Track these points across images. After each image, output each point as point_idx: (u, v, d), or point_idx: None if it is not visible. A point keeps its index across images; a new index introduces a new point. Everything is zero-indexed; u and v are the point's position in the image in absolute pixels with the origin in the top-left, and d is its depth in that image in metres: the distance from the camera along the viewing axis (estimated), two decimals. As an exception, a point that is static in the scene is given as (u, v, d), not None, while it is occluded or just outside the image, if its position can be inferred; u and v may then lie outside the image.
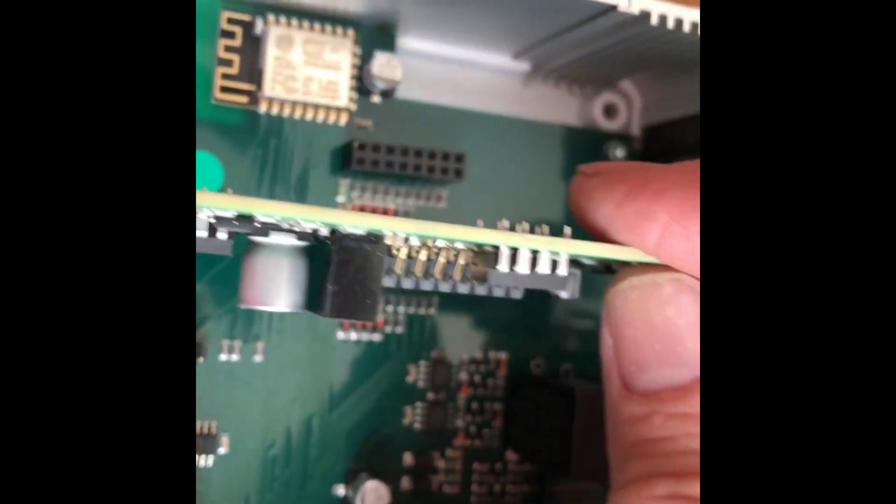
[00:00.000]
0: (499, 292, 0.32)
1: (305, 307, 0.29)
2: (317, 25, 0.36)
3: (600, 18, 0.34)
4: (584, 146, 0.42)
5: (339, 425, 0.37)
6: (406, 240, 0.28)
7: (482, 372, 0.39)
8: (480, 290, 0.31)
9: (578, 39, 0.37)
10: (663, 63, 0.39)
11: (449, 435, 0.39)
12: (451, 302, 0.39)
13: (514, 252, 0.27)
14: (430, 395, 0.38)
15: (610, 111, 0.43)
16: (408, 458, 0.38)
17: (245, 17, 0.35)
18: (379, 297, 0.28)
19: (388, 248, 0.28)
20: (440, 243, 0.28)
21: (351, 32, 0.36)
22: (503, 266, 0.27)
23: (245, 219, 0.27)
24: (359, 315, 0.28)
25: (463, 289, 0.31)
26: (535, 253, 0.27)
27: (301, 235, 0.29)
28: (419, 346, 0.38)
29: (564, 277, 0.28)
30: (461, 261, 0.29)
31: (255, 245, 0.29)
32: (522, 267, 0.27)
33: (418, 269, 0.29)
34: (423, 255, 0.29)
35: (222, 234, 0.27)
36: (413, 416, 0.38)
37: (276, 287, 0.29)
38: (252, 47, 0.35)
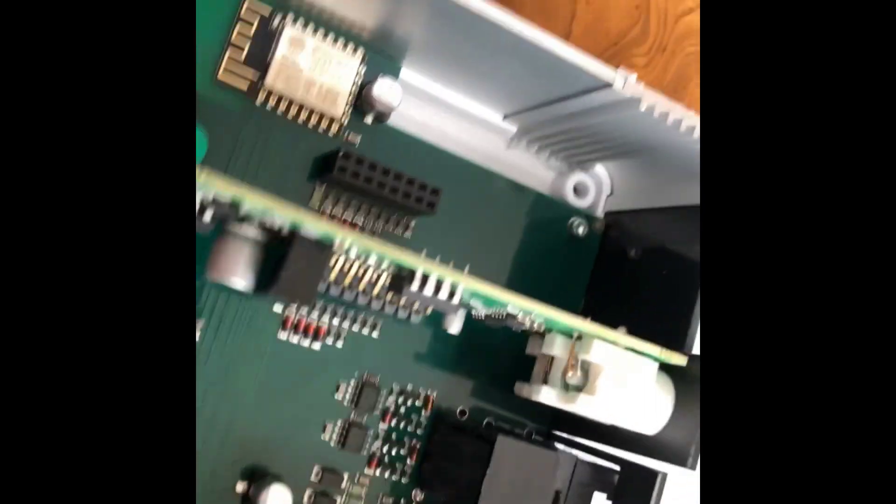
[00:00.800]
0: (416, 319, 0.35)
1: (255, 289, 0.31)
2: (330, 37, 0.37)
3: (593, 94, 0.37)
4: (550, 216, 0.44)
5: (256, 422, 0.36)
6: (348, 251, 0.31)
7: (408, 405, 0.40)
8: (403, 315, 0.36)
9: (567, 112, 0.40)
10: (639, 154, 0.42)
11: (362, 460, 0.39)
12: (395, 329, 0.39)
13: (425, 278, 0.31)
14: (353, 416, 0.38)
15: (579, 190, 0.45)
16: (315, 472, 0.37)
17: (265, 11, 0.36)
18: (316, 290, 0.31)
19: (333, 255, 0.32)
20: (371, 261, 0.32)
21: (360, 52, 0.38)
22: (414, 286, 0.30)
23: (234, 206, 0.28)
24: (298, 298, 0.31)
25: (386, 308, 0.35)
26: (439, 282, 0.31)
27: (266, 231, 0.31)
28: (353, 365, 0.39)
29: (455, 306, 0.31)
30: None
31: (228, 231, 0.31)
32: (427, 290, 0.31)
33: (346, 280, 0.33)
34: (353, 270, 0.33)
35: (208, 217, 0.28)
36: (331, 433, 0.38)
37: (238, 266, 0.31)
38: (264, 40, 0.36)
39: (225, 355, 0.36)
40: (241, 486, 0.36)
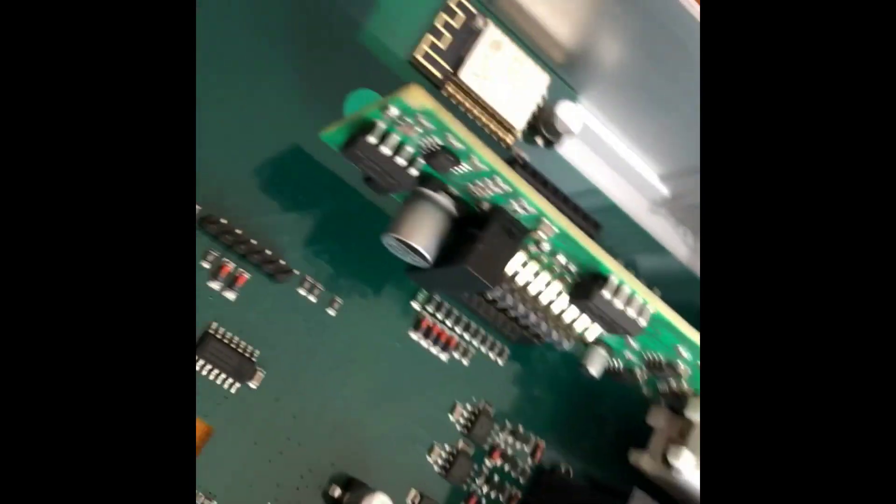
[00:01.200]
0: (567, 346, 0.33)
1: (431, 259, 0.28)
2: (526, 51, 0.36)
3: None
4: (679, 289, 0.42)
5: (365, 421, 0.33)
6: (539, 244, 0.29)
7: (517, 448, 0.36)
8: (555, 337, 0.33)
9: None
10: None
11: (461, 496, 0.35)
12: (521, 358, 0.37)
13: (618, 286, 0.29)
14: (462, 443, 0.35)
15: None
16: (412, 496, 0.34)
17: (472, 8, 0.36)
18: (503, 272, 0.29)
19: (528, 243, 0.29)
20: (560, 260, 0.30)
21: (548, 76, 0.37)
22: (606, 293, 0.28)
23: (455, 159, 0.26)
24: (487, 277, 0.28)
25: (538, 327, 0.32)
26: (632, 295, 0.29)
27: (459, 204, 0.29)
28: (474, 387, 0.35)
29: (640, 327, 0.29)
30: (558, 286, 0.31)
31: (422, 193, 0.29)
32: (618, 302, 0.29)
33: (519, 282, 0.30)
34: (535, 273, 0.30)
35: (413, 171, 0.27)
36: (438, 456, 0.34)
37: (424, 228, 0.28)
38: (465, 36, 0.36)
39: (352, 340, 0.33)
40: (336, 491, 0.32)
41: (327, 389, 0.32)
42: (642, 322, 0.29)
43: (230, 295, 0.31)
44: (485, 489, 0.35)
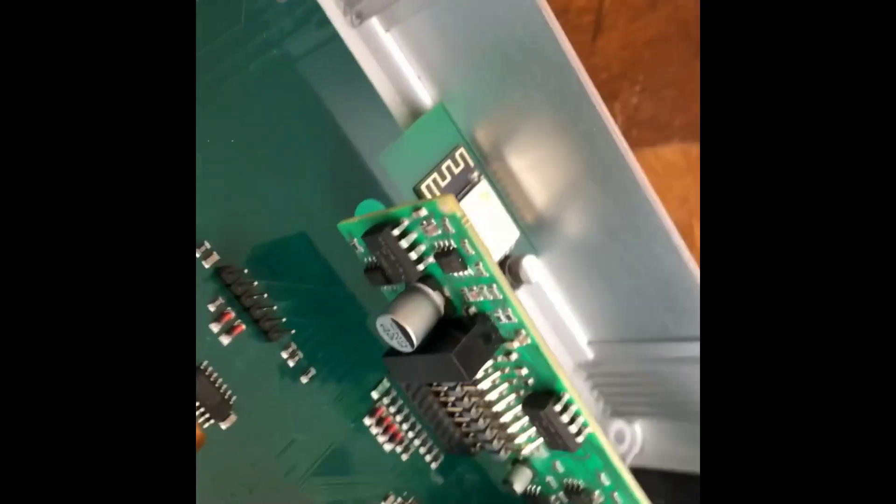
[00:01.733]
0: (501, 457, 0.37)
1: (416, 345, 0.33)
2: (505, 207, 0.43)
3: (674, 344, 0.43)
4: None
5: (307, 490, 0.35)
6: (509, 354, 0.34)
7: (431, 550, 0.39)
8: (495, 447, 0.37)
9: (653, 356, 0.45)
10: (684, 418, 0.47)
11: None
12: (452, 466, 0.40)
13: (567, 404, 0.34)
14: (386, 533, 0.37)
15: (619, 437, 0.49)
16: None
17: (471, 163, 0.43)
18: (480, 368, 0.33)
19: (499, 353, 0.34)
20: (521, 372, 0.34)
21: (518, 232, 0.44)
22: (557, 407, 0.33)
23: (462, 263, 0.32)
24: (466, 368, 0.33)
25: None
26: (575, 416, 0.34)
27: (447, 302, 0.34)
28: (407, 483, 0.38)
29: (578, 443, 0.34)
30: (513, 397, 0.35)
31: (419, 289, 0.34)
32: (565, 417, 0.33)
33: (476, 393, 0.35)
34: (495, 381, 0.35)
35: (421, 267, 0.33)
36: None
37: (417, 317, 0.33)
38: (462, 182, 0.42)
39: (314, 410, 0.36)
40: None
41: (283, 448, 0.35)
42: (580, 440, 0.34)
43: (225, 340, 0.34)
44: (394, 582, 0.37)
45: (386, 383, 0.38)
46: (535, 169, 0.42)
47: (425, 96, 0.43)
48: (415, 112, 0.43)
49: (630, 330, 0.45)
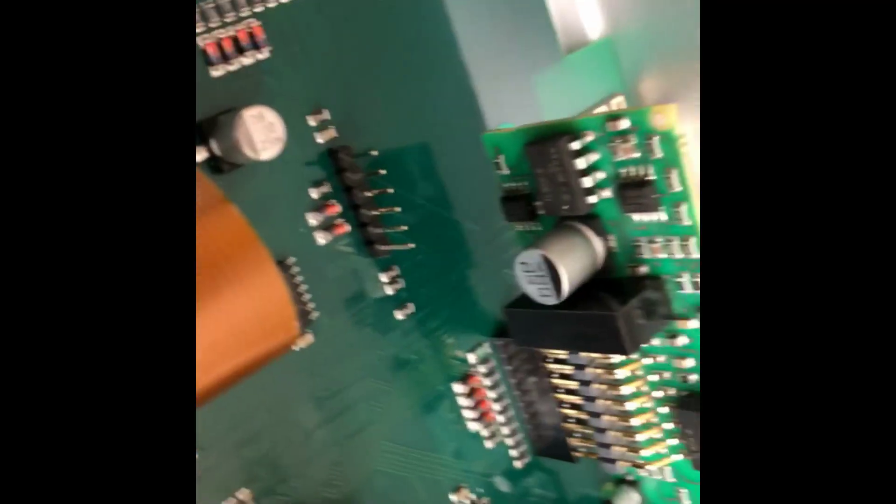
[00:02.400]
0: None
1: (564, 296, 0.26)
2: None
3: None
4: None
5: (369, 452, 0.27)
6: (681, 338, 0.26)
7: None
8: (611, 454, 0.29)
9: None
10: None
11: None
12: (538, 470, 0.32)
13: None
14: (451, 533, 0.29)
15: None
16: (382, 567, 0.27)
17: (631, 116, 0.35)
18: (644, 343, 0.26)
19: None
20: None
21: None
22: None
23: (656, 201, 0.24)
24: (630, 337, 0.25)
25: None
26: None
27: (609, 256, 0.27)
28: (486, 478, 0.31)
29: None
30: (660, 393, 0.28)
31: (578, 230, 0.26)
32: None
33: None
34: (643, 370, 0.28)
35: (592, 199, 0.26)
36: (424, 533, 0.29)
37: (573, 262, 0.26)
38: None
39: (399, 356, 0.28)
40: (315, 513, 0.26)
41: (358, 393, 0.27)
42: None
43: (321, 238, 0.26)
44: None
45: (487, 348, 0.31)
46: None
47: (596, 25, 0.35)
48: (581, 42, 0.35)
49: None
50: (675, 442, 0.28)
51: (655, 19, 0.34)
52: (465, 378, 0.30)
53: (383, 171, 0.27)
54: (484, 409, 0.30)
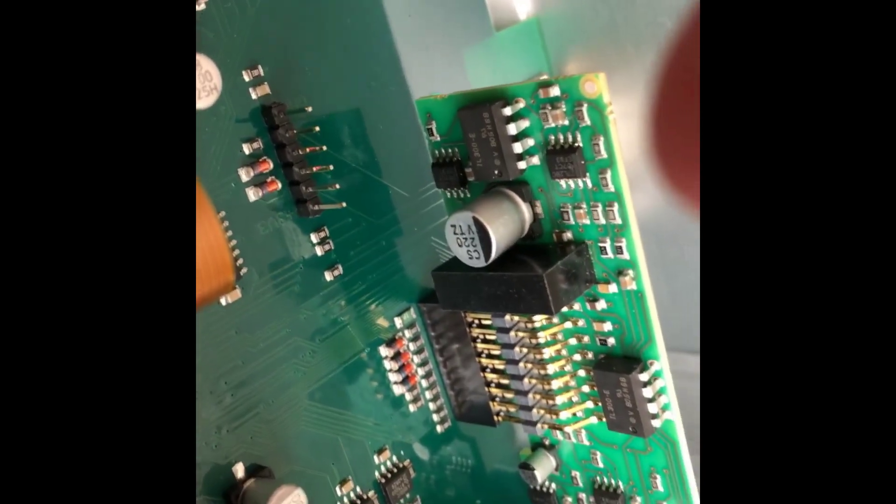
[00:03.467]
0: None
1: (492, 258, 0.26)
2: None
3: None
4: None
5: (295, 412, 0.27)
6: (599, 303, 0.28)
7: (415, 529, 0.31)
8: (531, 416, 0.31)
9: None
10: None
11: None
12: (457, 437, 0.33)
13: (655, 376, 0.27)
14: (372, 494, 0.30)
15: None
16: (304, 526, 0.27)
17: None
18: (567, 304, 0.27)
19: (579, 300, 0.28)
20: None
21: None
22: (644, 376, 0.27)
23: (582, 168, 0.25)
24: (554, 298, 0.26)
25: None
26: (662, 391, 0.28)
27: (536, 222, 0.28)
28: (407, 440, 0.31)
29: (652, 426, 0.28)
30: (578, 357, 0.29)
31: (507, 195, 0.27)
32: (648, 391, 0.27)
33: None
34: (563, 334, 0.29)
35: (522, 164, 0.27)
36: (347, 494, 0.29)
37: (502, 225, 0.26)
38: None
39: (328, 316, 0.28)
40: (240, 472, 0.25)
41: (284, 352, 0.27)
42: (656, 424, 0.27)
43: (252, 194, 0.26)
44: (371, 553, 0.30)
45: (412, 314, 0.31)
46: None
47: (525, 4, 0.36)
48: (511, 21, 0.36)
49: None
50: (590, 405, 0.29)
51: (580, 1, 0.35)
52: (390, 342, 0.30)
53: (317, 128, 0.27)
54: (408, 373, 0.31)
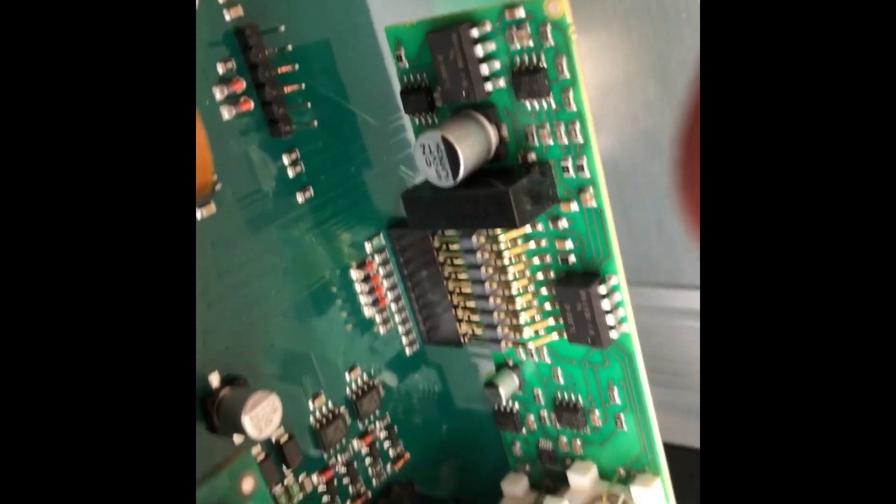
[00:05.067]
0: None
1: (461, 177, 0.27)
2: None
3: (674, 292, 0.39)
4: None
5: (268, 326, 0.28)
6: (562, 221, 0.29)
7: (384, 448, 0.33)
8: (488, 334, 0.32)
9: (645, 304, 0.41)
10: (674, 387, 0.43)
11: (318, 463, 0.30)
12: (424, 361, 0.34)
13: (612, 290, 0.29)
14: (344, 409, 0.31)
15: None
16: (281, 432, 0.29)
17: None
18: (533, 218, 0.28)
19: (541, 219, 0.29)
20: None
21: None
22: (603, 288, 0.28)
23: (546, 88, 0.27)
24: (519, 213, 0.27)
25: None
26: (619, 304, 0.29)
27: (502, 144, 0.29)
28: (376, 360, 0.32)
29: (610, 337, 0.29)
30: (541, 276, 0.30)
31: (474, 116, 0.28)
32: (606, 303, 0.28)
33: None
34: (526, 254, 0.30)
35: (488, 86, 0.28)
36: (318, 408, 0.30)
37: (470, 145, 0.28)
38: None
39: (300, 238, 0.29)
40: (216, 381, 0.26)
41: (256, 267, 0.28)
42: (613, 335, 0.29)
43: (226, 112, 0.27)
44: (342, 469, 0.31)
45: (382, 240, 0.32)
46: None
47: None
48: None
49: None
50: (552, 322, 0.30)
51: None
52: (360, 265, 0.31)
53: (290, 47, 0.28)
54: (378, 296, 0.32)
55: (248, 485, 0.23)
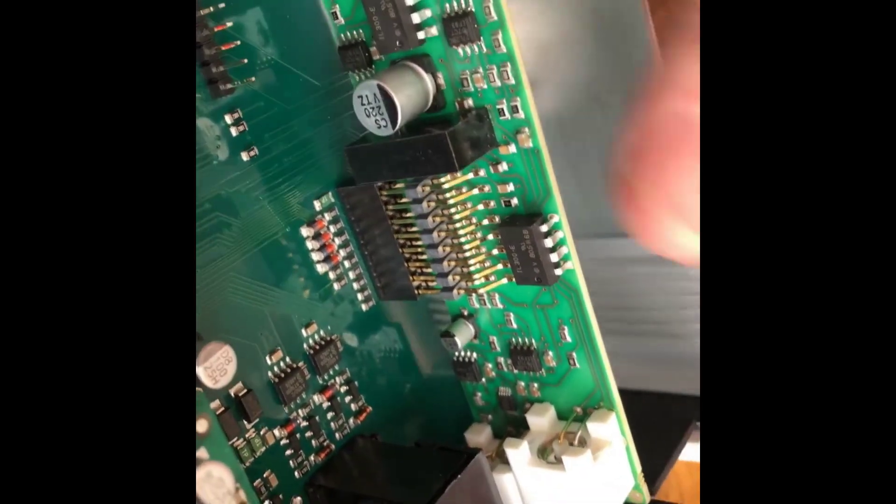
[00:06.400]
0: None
1: (399, 125, 0.28)
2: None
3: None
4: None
5: (222, 285, 0.29)
6: (501, 165, 0.30)
7: (346, 401, 0.33)
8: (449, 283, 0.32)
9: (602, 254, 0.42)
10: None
11: (280, 419, 0.31)
12: (380, 317, 0.35)
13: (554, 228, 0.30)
14: (301, 364, 0.31)
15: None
16: (238, 386, 0.29)
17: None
18: (471, 161, 0.28)
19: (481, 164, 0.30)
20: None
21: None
22: (544, 227, 0.29)
23: (475, 33, 0.28)
24: (458, 156, 0.28)
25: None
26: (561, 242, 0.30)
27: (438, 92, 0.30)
28: (332, 317, 0.33)
29: (555, 273, 0.30)
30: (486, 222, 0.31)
31: (411, 67, 0.29)
32: (549, 241, 0.30)
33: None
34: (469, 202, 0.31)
35: (421, 35, 0.28)
36: (276, 363, 0.31)
37: (407, 94, 0.28)
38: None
39: (248, 196, 0.30)
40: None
41: (206, 225, 0.28)
42: (558, 272, 0.29)
43: (164, 73, 0.27)
44: (304, 423, 0.31)
45: (330, 198, 0.33)
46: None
47: None
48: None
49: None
50: (500, 267, 0.31)
51: None
52: (311, 222, 0.32)
53: (223, 4, 0.28)
54: (330, 253, 0.33)
55: (202, 426, 0.24)
